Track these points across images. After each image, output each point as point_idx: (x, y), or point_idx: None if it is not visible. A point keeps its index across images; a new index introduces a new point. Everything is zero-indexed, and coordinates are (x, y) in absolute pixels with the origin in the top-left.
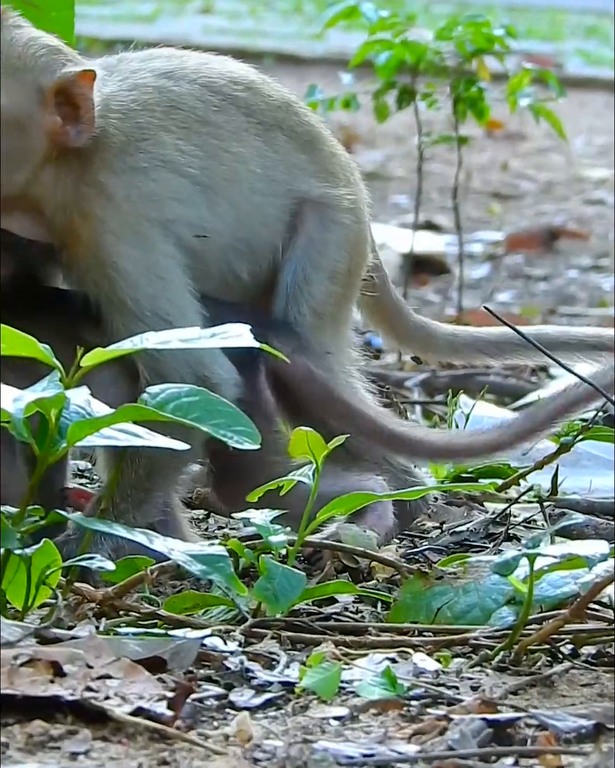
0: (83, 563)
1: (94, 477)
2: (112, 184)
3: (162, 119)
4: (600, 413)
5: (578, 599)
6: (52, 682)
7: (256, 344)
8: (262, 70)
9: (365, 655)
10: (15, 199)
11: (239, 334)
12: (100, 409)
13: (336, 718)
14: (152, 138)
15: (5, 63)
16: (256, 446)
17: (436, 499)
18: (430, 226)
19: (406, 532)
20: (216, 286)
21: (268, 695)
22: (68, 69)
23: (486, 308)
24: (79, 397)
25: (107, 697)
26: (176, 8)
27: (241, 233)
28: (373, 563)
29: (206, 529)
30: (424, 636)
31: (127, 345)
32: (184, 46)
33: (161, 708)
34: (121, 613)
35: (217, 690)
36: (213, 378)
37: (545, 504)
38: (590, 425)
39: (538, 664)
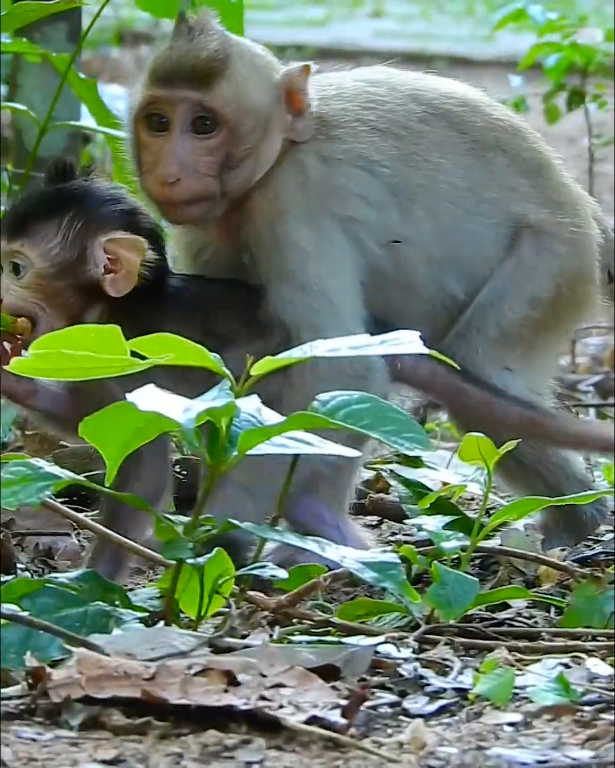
0: (256, 572)
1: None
2: (307, 169)
3: (368, 118)
4: None
5: None
6: (225, 691)
7: (428, 351)
8: (434, 73)
9: (538, 660)
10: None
11: (410, 341)
12: (271, 417)
13: (510, 724)
14: (355, 132)
15: (250, 63)
16: (429, 451)
17: None
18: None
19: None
20: (429, 308)
21: (441, 702)
22: (292, 66)
23: None
24: (250, 405)
25: (281, 706)
26: (347, 12)
27: (443, 246)
28: (541, 570)
29: (379, 535)
30: (598, 640)
31: (296, 353)
32: (355, 50)
33: (335, 716)
34: (295, 621)
35: (391, 697)
36: (363, 368)
37: None
38: None
39: None
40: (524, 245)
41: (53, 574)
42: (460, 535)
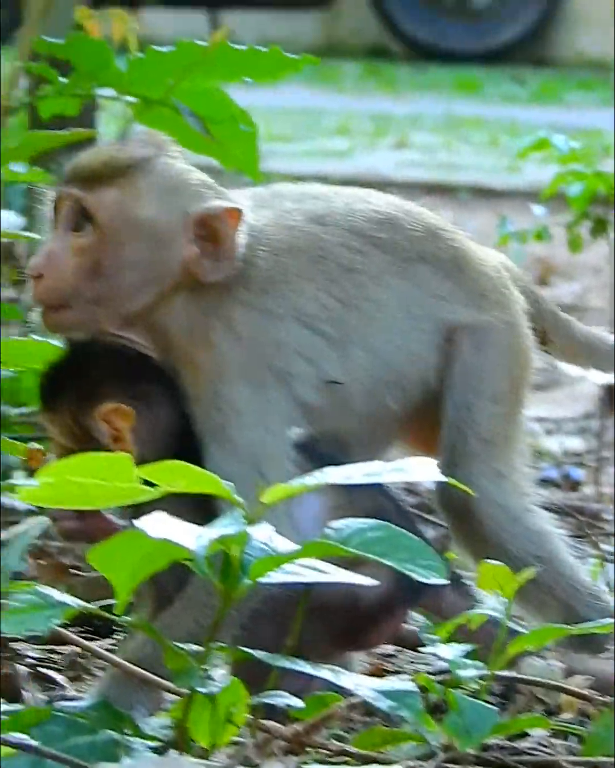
0: (270, 700)
1: None
2: (243, 324)
3: (308, 268)
4: None
5: None
6: None
7: (444, 478)
8: (457, 204)
9: None
10: (137, 316)
11: (425, 468)
12: (284, 545)
13: None
14: (295, 285)
15: (159, 181)
16: (445, 580)
17: None
18: None
19: None
20: (361, 420)
21: None
22: (216, 203)
23: None
24: (262, 533)
25: None
26: (369, 143)
27: (381, 372)
28: (562, 698)
29: (396, 664)
30: None
31: (310, 480)
32: (378, 181)
33: None
34: (311, 750)
35: None
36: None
37: None
38: None
39: None
40: (463, 348)
41: (62, 702)
42: (479, 663)
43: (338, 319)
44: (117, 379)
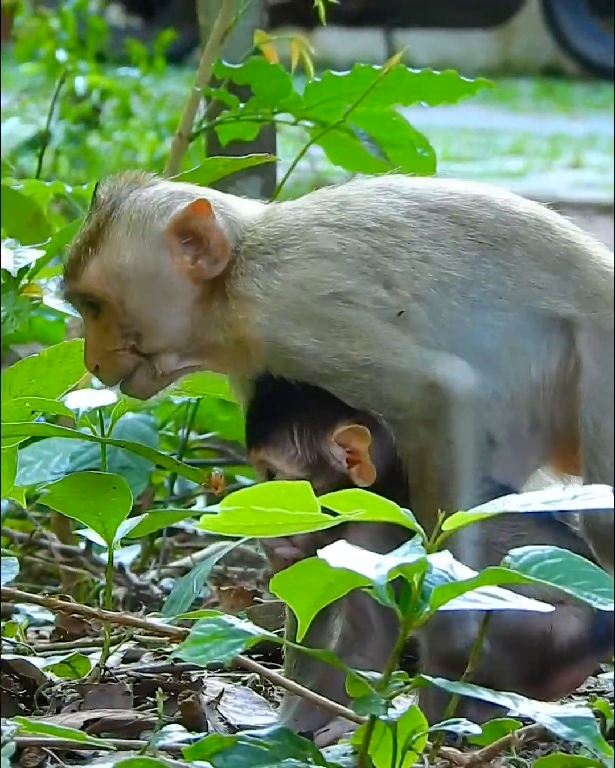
0: (450, 727)
1: None
2: (268, 283)
3: (319, 214)
4: None
5: None
6: None
7: None
8: None
9: None
10: (190, 342)
11: (604, 495)
12: (463, 572)
13: None
14: (302, 232)
15: (126, 222)
16: None
17: None
18: None
19: None
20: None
21: None
22: (179, 206)
23: None
24: (442, 561)
25: None
26: (545, 163)
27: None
28: None
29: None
30: None
31: (487, 509)
32: (552, 201)
33: None
34: None
35: None
36: (440, 381)
37: None
38: None
39: None
40: (584, 357)
41: (245, 732)
42: None
43: (370, 261)
44: (335, 403)
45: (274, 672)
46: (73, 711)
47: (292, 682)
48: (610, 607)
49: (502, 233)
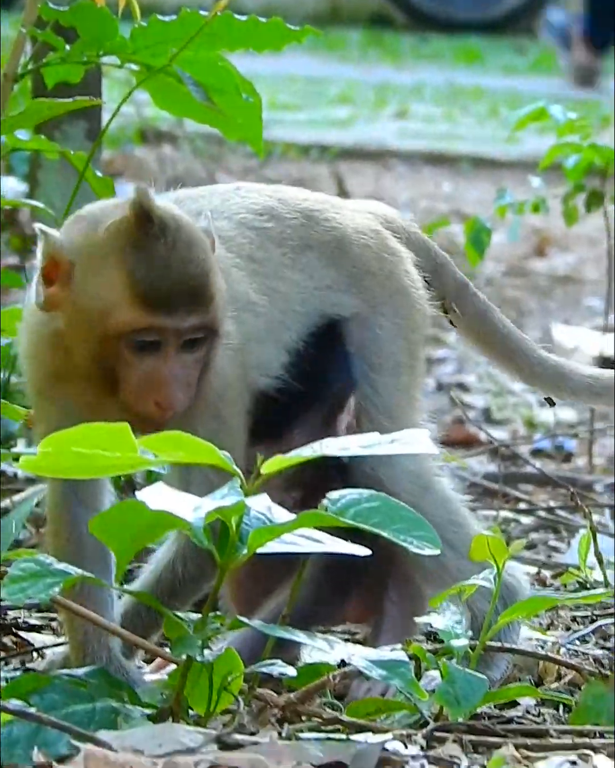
0: (265, 669)
1: None
2: None
3: (233, 259)
4: None
5: None
6: None
7: (436, 451)
8: (457, 174)
9: (545, 757)
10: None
11: (421, 439)
12: (281, 515)
13: None
14: (233, 275)
15: (210, 248)
16: (438, 551)
17: None
18: None
19: None
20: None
21: None
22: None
23: None
24: (260, 503)
25: None
26: (372, 113)
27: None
28: (541, 665)
29: None
30: (605, 738)
31: (306, 452)
32: (379, 151)
33: None
34: (304, 718)
35: None
36: None
37: None
38: None
39: None
40: (352, 332)
41: (62, 670)
42: (469, 633)
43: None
44: None
45: (87, 611)
46: None
47: (109, 623)
48: (428, 552)
49: (297, 243)
